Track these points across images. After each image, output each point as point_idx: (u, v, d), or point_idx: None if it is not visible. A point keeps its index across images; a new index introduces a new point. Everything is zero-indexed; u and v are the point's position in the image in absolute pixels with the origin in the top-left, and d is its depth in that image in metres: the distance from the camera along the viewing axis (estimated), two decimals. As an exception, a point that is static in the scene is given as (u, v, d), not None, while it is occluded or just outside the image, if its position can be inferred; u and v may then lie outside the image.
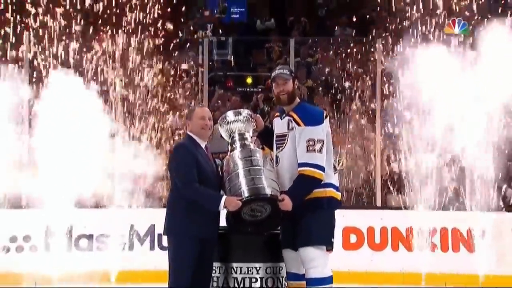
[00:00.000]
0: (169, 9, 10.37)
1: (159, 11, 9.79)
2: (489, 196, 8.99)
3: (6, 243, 8.88)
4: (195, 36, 11.22)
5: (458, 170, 9.41)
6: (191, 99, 10.22)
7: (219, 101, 11.03)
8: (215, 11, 12.67)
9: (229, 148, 5.78)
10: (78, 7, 9.70)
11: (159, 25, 9.84)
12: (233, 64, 11.70)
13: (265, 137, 5.98)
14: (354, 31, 12.05)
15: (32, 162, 9.18)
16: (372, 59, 10.37)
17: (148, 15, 9.62)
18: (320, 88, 11.34)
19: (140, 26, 9.57)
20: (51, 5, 9.67)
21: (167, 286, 5.47)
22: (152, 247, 9.09)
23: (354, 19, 12.46)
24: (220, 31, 11.91)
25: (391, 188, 9.95)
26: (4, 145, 9.00)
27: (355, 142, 10.26)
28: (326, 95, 11.14)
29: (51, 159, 8.93)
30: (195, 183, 5.43)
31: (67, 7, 9.67)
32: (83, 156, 9.05)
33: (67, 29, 9.62)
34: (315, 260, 5.51)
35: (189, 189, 5.45)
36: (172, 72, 10.36)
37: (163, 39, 9.93)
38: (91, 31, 9.79)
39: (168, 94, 10.13)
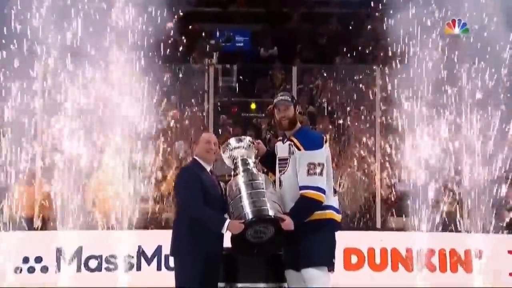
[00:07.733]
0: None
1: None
2: (485, 218, 8.98)
3: (19, 264, 8.85)
4: (202, 63, 11.24)
5: (455, 193, 9.40)
6: (198, 124, 10.22)
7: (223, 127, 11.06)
8: (221, 40, 12.74)
9: (232, 173, 5.79)
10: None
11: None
12: (237, 90, 11.72)
13: (267, 162, 5.98)
14: (353, 59, 12.06)
15: (43, 185, 9.21)
16: (371, 85, 10.37)
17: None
18: (325, 113, 11.30)
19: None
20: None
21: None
22: (159, 268, 9.05)
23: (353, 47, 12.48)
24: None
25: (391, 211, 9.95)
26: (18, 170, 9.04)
27: (355, 166, 10.23)
28: (328, 120, 11.11)
29: (63, 183, 8.99)
30: (200, 201, 5.41)
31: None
32: (93, 179, 9.11)
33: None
34: (317, 280, 5.50)
35: (193, 207, 5.42)
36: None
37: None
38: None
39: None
